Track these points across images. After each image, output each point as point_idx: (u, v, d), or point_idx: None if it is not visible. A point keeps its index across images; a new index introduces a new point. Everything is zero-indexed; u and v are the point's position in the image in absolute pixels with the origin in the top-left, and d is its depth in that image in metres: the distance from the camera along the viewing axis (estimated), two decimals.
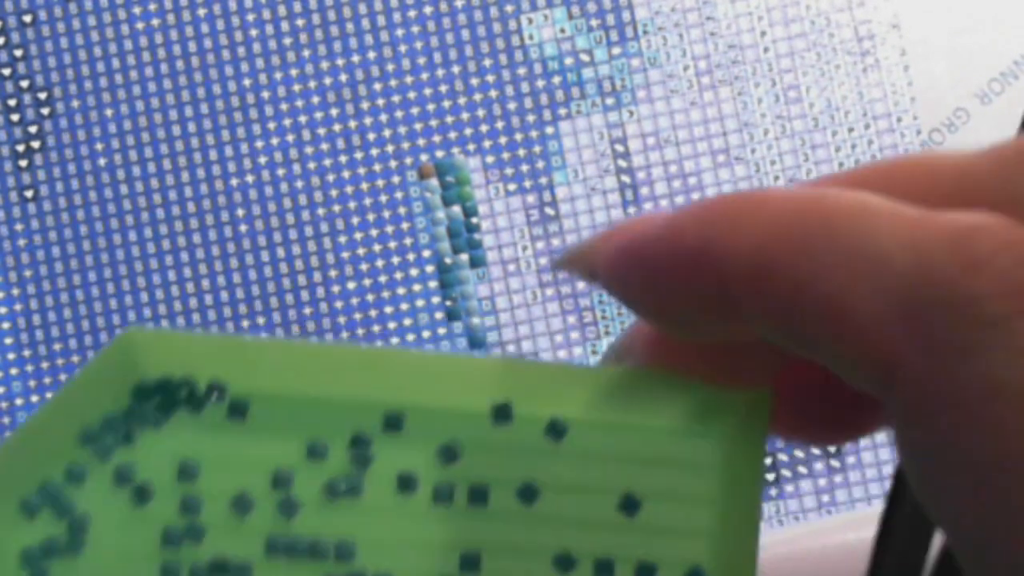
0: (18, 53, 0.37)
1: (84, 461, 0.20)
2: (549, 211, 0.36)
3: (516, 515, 0.19)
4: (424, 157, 0.36)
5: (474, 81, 0.36)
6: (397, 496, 0.19)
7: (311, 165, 0.36)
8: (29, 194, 0.36)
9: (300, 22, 0.36)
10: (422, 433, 0.19)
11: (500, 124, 0.36)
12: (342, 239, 0.36)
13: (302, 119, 0.36)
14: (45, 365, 0.36)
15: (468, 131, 0.36)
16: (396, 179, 0.36)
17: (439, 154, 0.36)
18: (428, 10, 0.36)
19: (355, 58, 0.36)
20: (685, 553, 0.18)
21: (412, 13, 0.36)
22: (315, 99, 0.36)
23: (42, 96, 0.37)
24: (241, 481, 0.20)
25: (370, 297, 0.36)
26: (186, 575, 0.19)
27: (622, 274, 0.15)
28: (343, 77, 0.36)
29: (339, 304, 0.36)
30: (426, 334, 0.36)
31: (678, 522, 0.18)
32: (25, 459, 0.20)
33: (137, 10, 0.37)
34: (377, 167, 0.36)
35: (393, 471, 0.19)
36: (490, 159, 0.36)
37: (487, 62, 0.36)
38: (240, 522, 0.19)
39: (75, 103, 0.37)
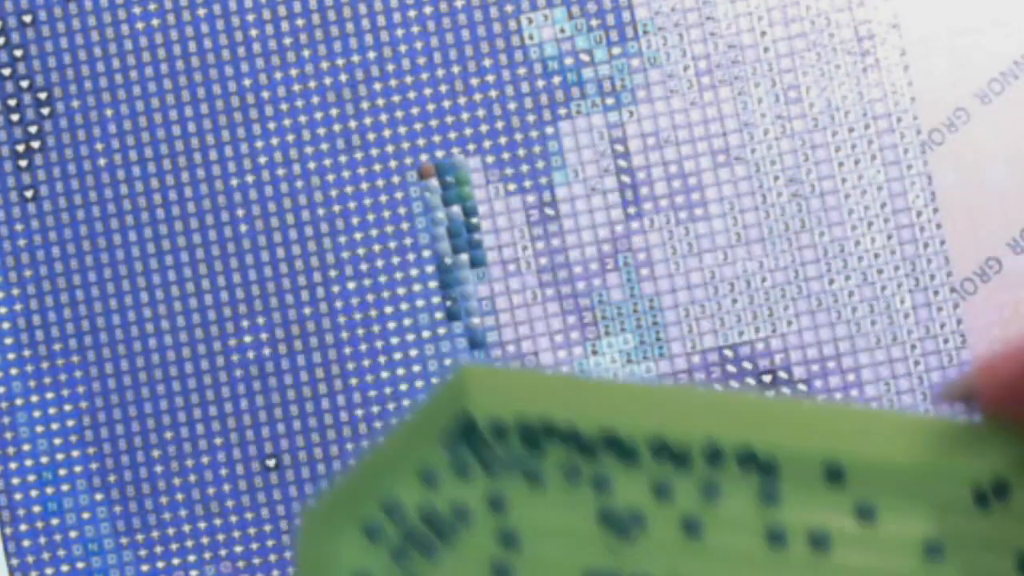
0: (18, 53, 0.37)
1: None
2: (549, 211, 0.36)
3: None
4: (424, 157, 0.36)
5: (474, 81, 0.36)
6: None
7: (311, 165, 0.36)
8: (29, 194, 0.37)
9: (300, 22, 0.36)
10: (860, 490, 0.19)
11: (500, 124, 0.36)
12: (342, 239, 0.36)
13: (302, 119, 0.36)
14: (45, 365, 0.36)
15: (468, 131, 0.36)
16: (396, 179, 0.36)
17: (439, 154, 0.36)
18: (428, 10, 0.36)
19: (355, 58, 0.36)
20: None
21: (412, 13, 0.36)
22: (315, 99, 0.36)
23: (42, 96, 0.37)
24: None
25: (370, 297, 0.36)
26: None
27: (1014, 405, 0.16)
28: (343, 77, 0.36)
29: (339, 304, 0.36)
30: (426, 334, 0.36)
31: None
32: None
33: (137, 10, 0.37)
34: (377, 167, 0.36)
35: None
36: (490, 159, 0.36)
37: (487, 62, 0.36)
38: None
39: (75, 103, 0.37)
